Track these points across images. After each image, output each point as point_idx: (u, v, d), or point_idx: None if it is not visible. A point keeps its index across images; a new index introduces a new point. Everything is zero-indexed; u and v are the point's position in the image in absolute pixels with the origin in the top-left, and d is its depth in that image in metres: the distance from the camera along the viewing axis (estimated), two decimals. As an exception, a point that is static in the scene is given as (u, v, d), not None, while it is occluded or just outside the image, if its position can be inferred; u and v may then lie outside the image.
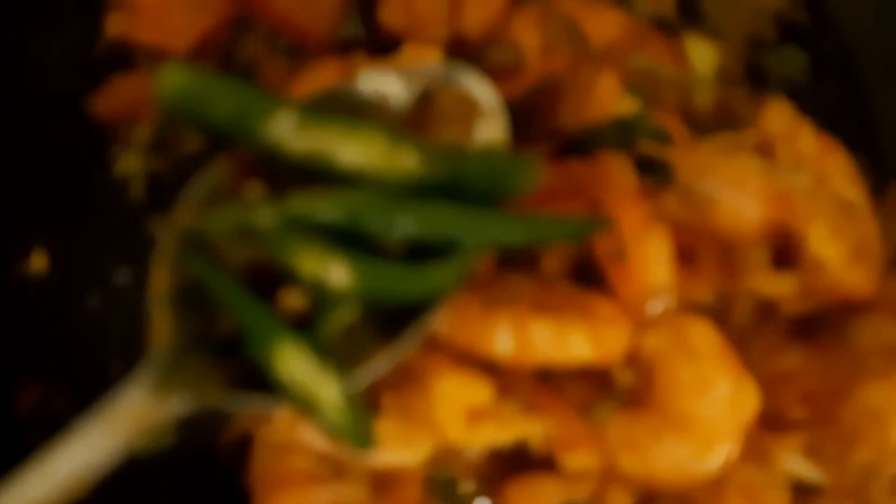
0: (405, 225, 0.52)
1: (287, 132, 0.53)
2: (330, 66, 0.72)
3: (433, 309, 0.55)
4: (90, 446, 0.50)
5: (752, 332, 0.69)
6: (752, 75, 0.81)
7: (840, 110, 0.80)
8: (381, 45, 0.73)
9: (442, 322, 0.62)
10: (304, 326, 0.52)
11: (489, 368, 0.62)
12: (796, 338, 0.69)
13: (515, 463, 0.65)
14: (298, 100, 0.58)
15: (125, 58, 0.76)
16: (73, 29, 0.76)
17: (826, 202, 0.66)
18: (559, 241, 0.60)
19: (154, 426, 0.52)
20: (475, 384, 0.60)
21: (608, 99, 0.65)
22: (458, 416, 0.60)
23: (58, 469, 0.49)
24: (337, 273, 0.51)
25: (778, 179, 0.65)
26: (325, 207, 0.52)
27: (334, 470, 0.63)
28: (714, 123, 0.78)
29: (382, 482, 0.63)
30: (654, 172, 0.64)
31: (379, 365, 0.54)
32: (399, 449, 0.61)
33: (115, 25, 0.75)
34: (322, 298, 0.52)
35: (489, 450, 0.64)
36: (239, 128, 0.54)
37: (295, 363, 0.50)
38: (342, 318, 0.52)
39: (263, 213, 0.52)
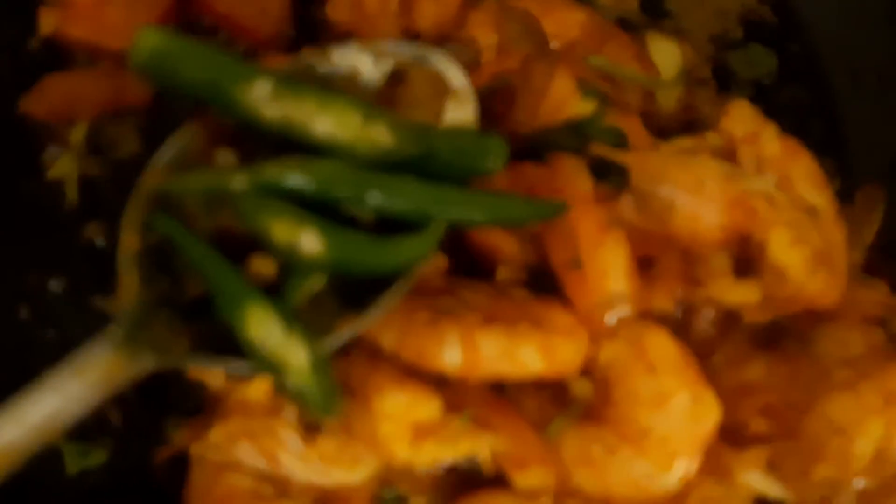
0: (375, 196, 0.53)
1: (262, 99, 0.54)
2: (279, 62, 0.69)
3: (399, 283, 0.57)
4: (60, 395, 0.52)
5: (713, 341, 0.66)
6: (717, 76, 0.79)
7: (807, 112, 0.79)
8: (331, 41, 0.71)
9: (387, 333, 0.59)
10: (273, 294, 0.53)
11: (437, 382, 0.59)
12: (759, 348, 0.67)
13: (469, 480, 0.63)
14: (274, 69, 0.59)
15: (61, 55, 0.73)
16: (4, 25, 0.73)
17: (788, 207, 0.63)
18: (523, 221, 0.60)
19: (122, 383, 0.53)
20: (421, 399, 0.57)
21: (562, 100, 0.63)
22: (402, 432, 0.57)
23: (29, 415, 0.51)
24: (308, 241, 0.52)
25: (739, 184, 0.63)
26: (297, 175, 0.53)
27: (276, 489, 0.60)
28: (678, 125, 0.76)
29: (327, 502, 0.61)
30: (609, 176, 0.61)
31: (343, 335, 0.56)
32: (342, 467, 0.58)
33: (50, 22, 0.72)
34: (291, 266, 0.53)
35: (440, 467, 0.61)
36: (214, 92, 0.55)
37: (264, 327, 0.52)
38: (311, 286, 0.54)
39: (237, 178, 0.53)
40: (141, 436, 0.64)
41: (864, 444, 0.59)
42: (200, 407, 0.62)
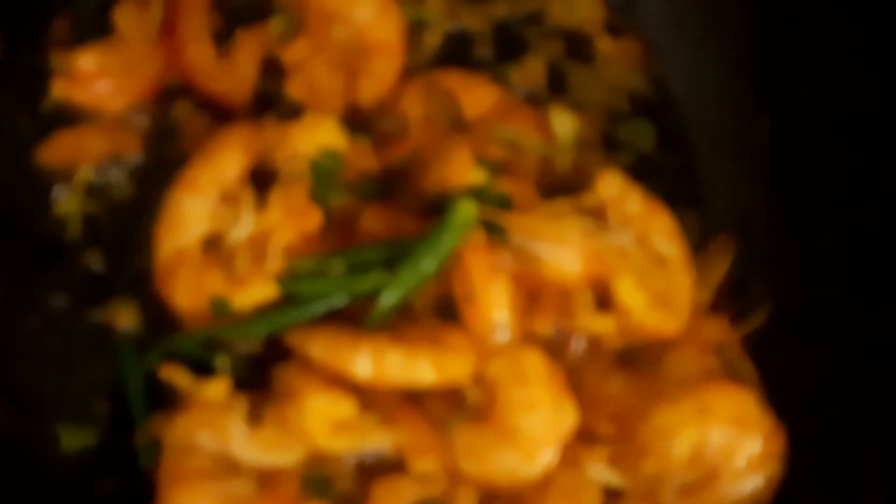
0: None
1: None
2: (245, 125, 0.85)
3: None
4: None
5: (583, 362, 0.81)
6: (607, 143, 0.93)
7: (677, 174, 0.93)
8: (288, 111, 0.86)
9: (316, 347, 0.75)
10: None
11: (355, 388, 0.74)
12: (621, 367, 0.82)
13: (381, 466, 0.78)
14: None
15: (69, 114, 0.87)
16: (22, 91, 0.88)
17: (636, 258, 0.79)
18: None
19: None
20: (340, 401, 0.73)
21: (461, 170, 0.79)
22: (324, 426, 0.72)
23: None
24: None
25: (598, 240, 0.78)
26: None
27: (227, 469, 0.74)
28: (572, 184, 0.91)
29: (267, 480, 0.74)
30: (496, 232, 0.77)
31: None
32: (277, 452, 0.73)
33: (60, 88, 0.87)
34: None
35: (358, 454, 0.76)
36: None
37: None
38: None
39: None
40: (124, 423, 0.78)
41: (681, 446, 0.75)
42: (171, 402, 0.77)
